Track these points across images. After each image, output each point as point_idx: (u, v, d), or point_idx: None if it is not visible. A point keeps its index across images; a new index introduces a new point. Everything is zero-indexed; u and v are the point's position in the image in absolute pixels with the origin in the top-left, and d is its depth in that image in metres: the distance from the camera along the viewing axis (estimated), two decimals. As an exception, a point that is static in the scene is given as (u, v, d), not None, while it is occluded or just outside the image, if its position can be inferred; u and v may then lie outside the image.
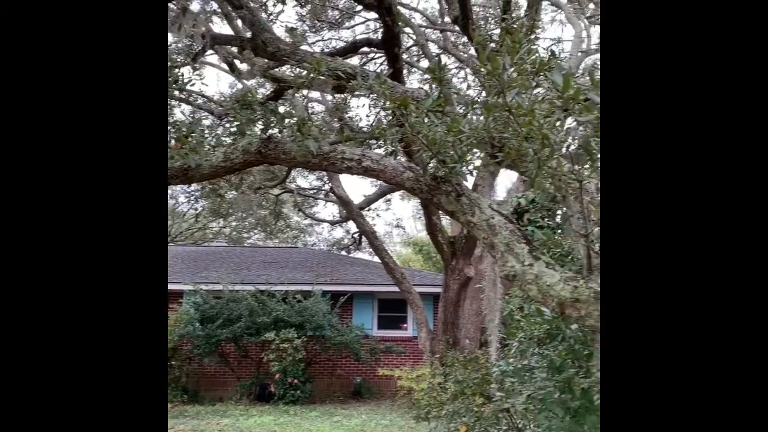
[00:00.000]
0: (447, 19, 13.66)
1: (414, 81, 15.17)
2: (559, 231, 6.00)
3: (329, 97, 13.03)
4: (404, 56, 14.93)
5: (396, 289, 15.09)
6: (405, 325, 17.98)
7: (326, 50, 13.67)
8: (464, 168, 3.50)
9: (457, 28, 10.98)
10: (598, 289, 3.05)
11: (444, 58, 15.01)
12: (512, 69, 2.66)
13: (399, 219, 39.02)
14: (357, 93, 4.80)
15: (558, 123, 2.81)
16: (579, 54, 11.85)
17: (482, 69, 2.85)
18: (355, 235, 21.57)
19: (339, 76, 4.37)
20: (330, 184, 16.94)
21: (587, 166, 2.88)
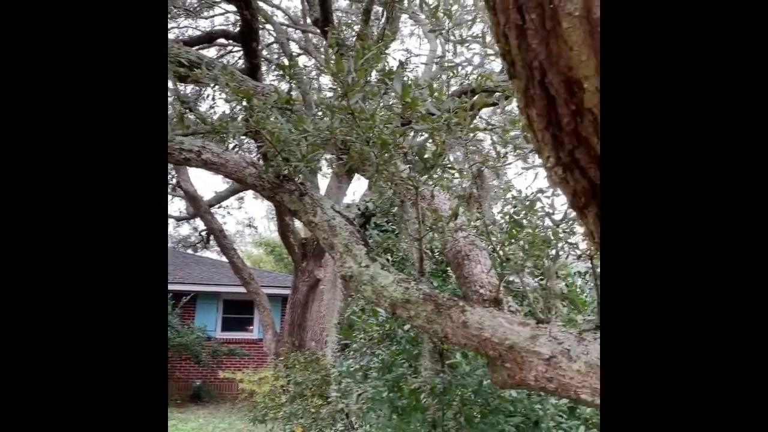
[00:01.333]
0: (309, 20, 13.62)
1: (272, 79, 14.91)
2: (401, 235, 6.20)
3: (180, 86, 12.33)
4: (264, 53, 14.59)
5: (243, 289, 14.67)
6: (251, 327, 17.55)
7: (181, 38, 12.96)
8: (308, 168, 3.48)
9: (319, 30, 10.98)
10: (428, 290, 3.20)
11: (305, 60, 14.95)
12: (356, 73, 2.70)
13: (251, 218, 38.05)
14: (202, 83, 4.58)
15: (400, 131, 2.90)
16: (434, 68, 12.42)
17: (327, 70, 2.86)
18: (203, 233, 20.63)
19: (182, 63, 4.18)
20: (177, 178, 16.05)
21: (422, 173, 3.01)
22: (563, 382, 2.60)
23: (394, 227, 6.73)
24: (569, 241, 2.65)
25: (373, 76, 3.45)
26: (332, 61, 2.77)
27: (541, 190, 2.82)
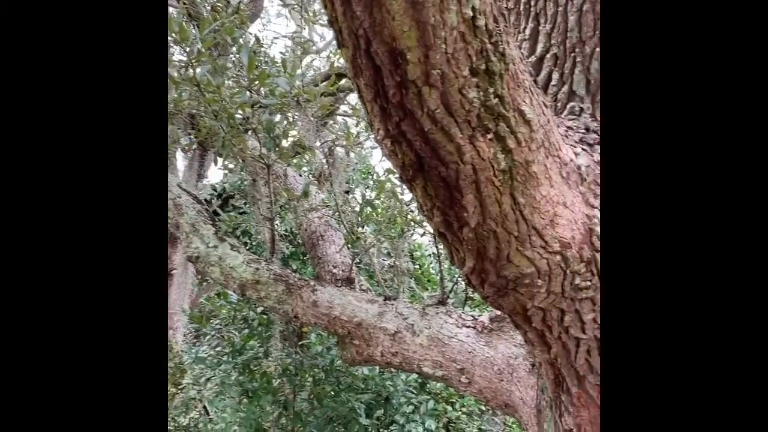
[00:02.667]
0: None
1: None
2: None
3: None
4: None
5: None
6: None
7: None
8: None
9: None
10: (279, 271, 3.15)
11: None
12: (202, 43, 2.55)
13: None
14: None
15: (247, 105, 2.79)
16: (301, 50, 12.21)
17: (172, 37, 2.67)
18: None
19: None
20: None
21: (275, 150, 2.93)
22: (407, 356, 2.70)
23: (252, 209, 6.56)
24: (415, 219, 2.73)
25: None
26: (177, 30, 2.60)
27: (390, 170, 2.87)
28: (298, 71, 2.68)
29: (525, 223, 1.33)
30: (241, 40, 3.13)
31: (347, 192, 3.32)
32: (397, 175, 2.80)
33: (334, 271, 3.41)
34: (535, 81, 1.39)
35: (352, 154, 3.64)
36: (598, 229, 1.46)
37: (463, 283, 1.54)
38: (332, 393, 4.06)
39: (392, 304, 2.86)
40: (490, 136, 1.19)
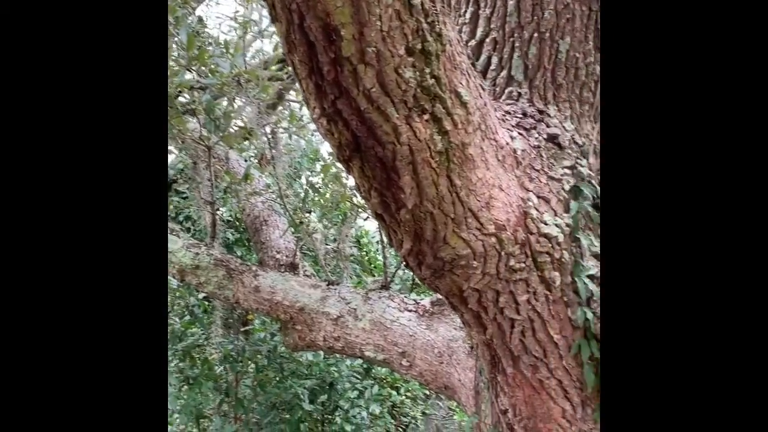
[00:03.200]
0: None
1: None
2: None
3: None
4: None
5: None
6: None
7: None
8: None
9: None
10: (219, 256, 3.09)
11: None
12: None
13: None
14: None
15: (186, 85, 2.70)
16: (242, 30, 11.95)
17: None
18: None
19: None
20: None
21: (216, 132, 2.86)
22: (349, 341, 2.70)
23: (194, 194, 6.40)
24: (359, 203, 2.72)
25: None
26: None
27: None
28: (244, 52, 2.62)
29: (461, 205, 1.34)
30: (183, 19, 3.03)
31: (292, 176, 3.28)
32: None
33: (278, 256, 3.37)
34: (473, 64, 1.40)
35: (298, 138, 3.59)
36: (533, 211, 1.49)
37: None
38: (276, 379, 4.02)
39: (335, 289, 2.85)
40: (426, 117, 1.19)
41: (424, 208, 1.32)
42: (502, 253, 1.44)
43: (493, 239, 1.41)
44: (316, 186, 3.22)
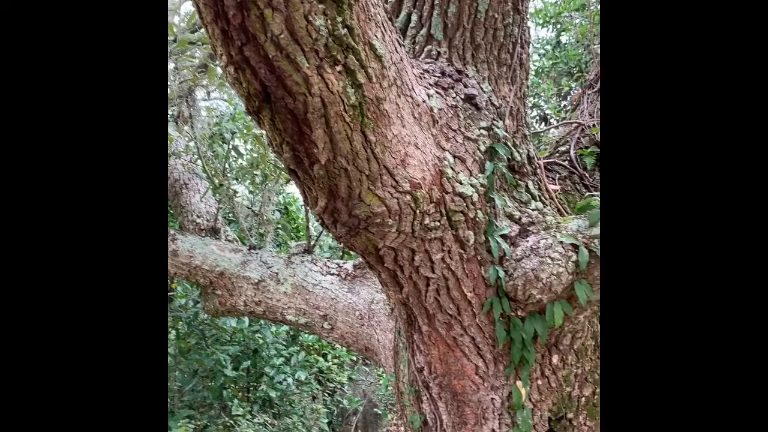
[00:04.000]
0: None
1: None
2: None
3: None
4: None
5: None
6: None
7: None
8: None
9: None
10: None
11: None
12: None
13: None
14: None
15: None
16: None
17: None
18: None
19: None
20: None
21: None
22: (271, 305, 2.66)
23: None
24: (279, 164, 2.66)
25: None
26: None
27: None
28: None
29: (376, 161, 1.33)
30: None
31: (214, 138, 3.16)
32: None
33: (198, 220, 3.27)
34: (391, 19, 1.37)
35: (219, 97, 3.45)
36: (448, 170, 1.50)
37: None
38: (197, 346, 3.94)
39: (257, 254, 2.79)
40: (339, 68, 1.16)
41: (338, 164, 1.29)
42: (417, 212, 1.44)
43: (408, 197, 1.41)
44: (239, 148, 3.12)
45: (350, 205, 1.38)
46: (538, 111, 6.70)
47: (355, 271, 2.59)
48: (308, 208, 1.51)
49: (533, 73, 6.82)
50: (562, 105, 6.38)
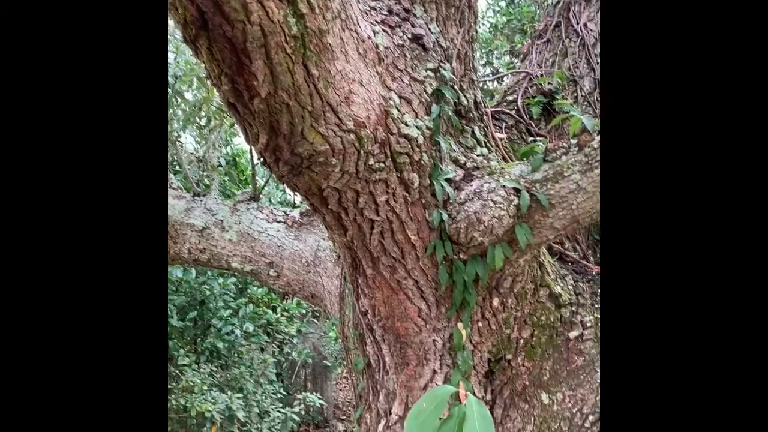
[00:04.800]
0: None
1: None
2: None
3: None
4: None
5: None
6: None
7: None
8: None
9: None
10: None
11: None
12: None
13: None
14: None
15: None
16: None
17: None
18: None
19: None
20: None
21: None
22: (215, 252, 2.62)
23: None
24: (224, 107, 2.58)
25: None
26: None
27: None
28: None
29: (319, 97, 1.30)
30: None
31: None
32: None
33: (140, 167, 3.15)
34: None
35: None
36: (394, 111, 1.48)
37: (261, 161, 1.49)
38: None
39: (201, 201, 2.73)
40: (279, -5, 1.11)
41: (279, 99, 1.26)
42: (362, 152, 1.42)
43: (352, 136, 1.39)
44: (183, 93, 3.00)
45: (292, 143, 1.35)
46: (491, 68, 6.71)
47: (301, 219, 2.57)
48: (250, 145, 1.47)
49: (487, 29, 6.80)
50: (515, 63, 6.40)
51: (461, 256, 1.71)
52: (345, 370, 7.22)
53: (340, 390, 8.73)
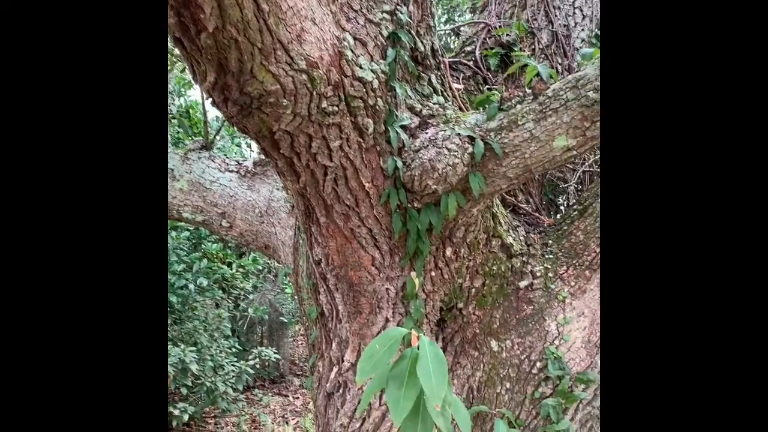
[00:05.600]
0: None
1: None
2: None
3: None
4: None
5: None
6: None
7: None
8: None
9: None
10: None
11: None
12: None
13: None
14: None
15: None
16: None
17: None
18: None
19: None
20: None
21: None
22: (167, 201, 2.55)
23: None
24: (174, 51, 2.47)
25: None
26: None
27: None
28: None
29: (269, 34, 1.24)
30: None
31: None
32: None
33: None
34: None
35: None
36: (348, 52, 1.44)
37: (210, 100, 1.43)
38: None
39: (150, 149, 2.63)
40: None
41: (227, 34, 1.20)
42: (314, 93, 1.38)
43: (304, 76, 1.34)
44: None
45: (242, 81, 1.30)
46: (451, 23, 6.64)
47: (255, 169, 2.51)
48: (197, 84, 1.41)
49: (449, -17, 6.69)
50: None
51: (415, 205, 1.71)
52: (302, 328, 7.26)
53: (297, 347, 8.80)
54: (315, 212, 1.76)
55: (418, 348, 1.13)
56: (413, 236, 1.75)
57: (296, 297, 2.31)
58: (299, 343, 8.95)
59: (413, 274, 1.85)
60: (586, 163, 2.51)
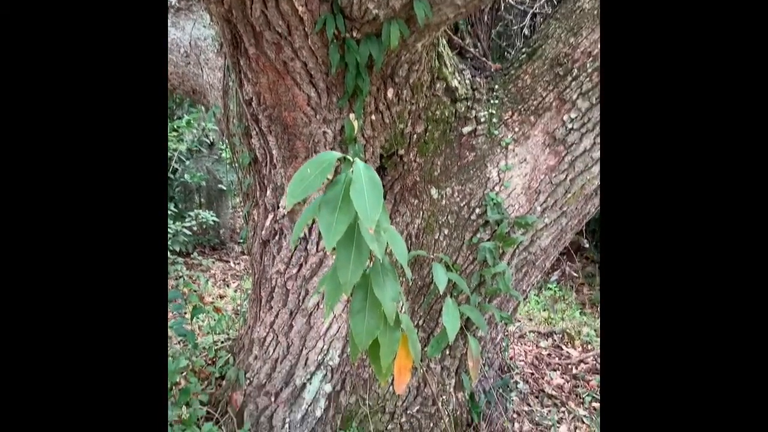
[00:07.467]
0: None
1: None
2: None
3: None
4: None
5: None
6: None
7: None
8: None
9: None
10: None
11: None
12: None
13: None
14: None
15: None
16: None
17: None
18: None
19: None
20: None
21: None
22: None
23: None
24: None
25: None
26: None
27: None
28: None
29: None
30: None
31: None
32: None
33: None
34: None
35: None
36: None
37: None
38: None
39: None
40: None
41: None
42: None
43: None
44: None
45: None
46: None
47: (179, 3, 2.25)
48: None
49: None
50: None
51: (354, 34, 1.55)
52: (241, 196, 7.14)
53: (238, 218, 8.73)
54: (243, 42, 1.59)
55: (352, 172, 1.05)
56: (352, 72, 1.61)
57: (227, 143, 2.17)
58: (240, 214, 8.87)
59: (352, 116, 1.74)
60: (537, 4, 2.37)
